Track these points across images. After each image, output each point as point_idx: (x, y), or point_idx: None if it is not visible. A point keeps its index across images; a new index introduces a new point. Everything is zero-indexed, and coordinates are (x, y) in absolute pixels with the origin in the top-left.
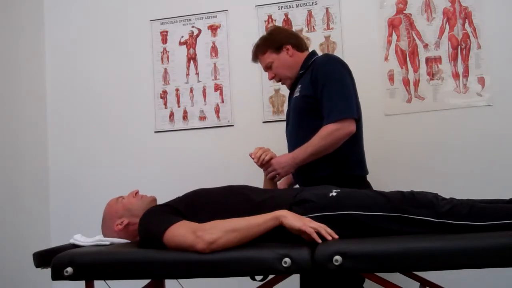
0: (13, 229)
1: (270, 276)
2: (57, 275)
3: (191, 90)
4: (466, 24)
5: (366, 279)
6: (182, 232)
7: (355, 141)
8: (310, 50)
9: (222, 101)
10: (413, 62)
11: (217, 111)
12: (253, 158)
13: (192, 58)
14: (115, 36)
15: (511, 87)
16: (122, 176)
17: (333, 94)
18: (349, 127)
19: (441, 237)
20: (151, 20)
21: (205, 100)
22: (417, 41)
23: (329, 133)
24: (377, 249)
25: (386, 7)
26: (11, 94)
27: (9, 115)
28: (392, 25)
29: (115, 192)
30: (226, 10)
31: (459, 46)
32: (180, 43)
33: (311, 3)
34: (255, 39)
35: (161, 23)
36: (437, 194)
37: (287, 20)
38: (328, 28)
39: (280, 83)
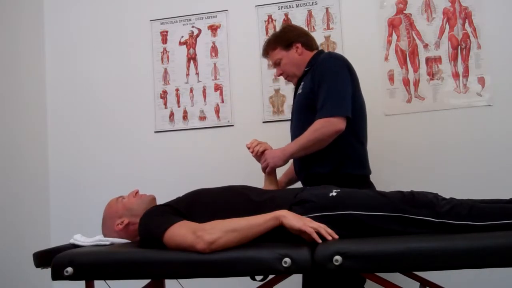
0: (13, 229)
1: (270, 276)
2: (57, 275)
3: (191, 90)
4: (466, 24)
5: (366, 279)
6: (182, 232)
7: (357, 140)
8: None
9: (222, 101)
10: (413, 62)
11: (217, 111)
12: (248, 148)
13: (192, 58)
14: (115, 36)
15: (511, 87)
16: (122, 176)
17: (328, 91)
18: (337, 124)
19: (441, 237)
20: (151, 20)
21: (205, 100)
22: (417, 41)
23: (316, 128)
24: (377, 249)
25: (386, 7)
26: (11, 94)
27: (9, 115)
28: (392, 25)
29: (115, 192)
30: (226, 10)
31: (459, 46)
32: (180, 43)
33: (311, 3)
34: (255, 39)
35: (161, 23)
36: (437, 194)
37: (287, 20)
38: (328, 28)
39: (286, 80)
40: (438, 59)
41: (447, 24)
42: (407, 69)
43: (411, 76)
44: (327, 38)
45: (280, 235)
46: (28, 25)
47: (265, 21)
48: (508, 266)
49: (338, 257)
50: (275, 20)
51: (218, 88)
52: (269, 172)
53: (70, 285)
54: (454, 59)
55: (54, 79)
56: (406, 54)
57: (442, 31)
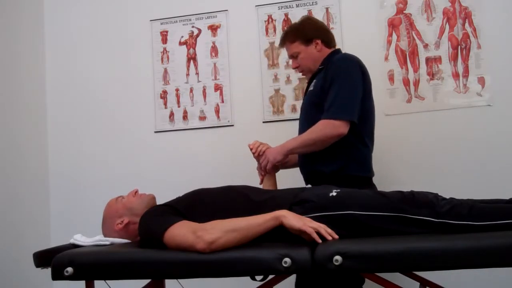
0: (13, 229)
1: (270, 276)
2: (57, 275)
3: (191, 90)
4: (466, 24)
5: (366, 279)
6: (182, 232)
7: (362, 142)
8: None
9: (222, 101)
10: (413, 62)
11: (217, 111)
12: (251, 149)
13: (192, 58)
14: (115, 36)
15: (511, 87)
16: (122, 176)
17: (337, 93)
18: (339, 128)
19: (441, 237)
20: (151, 20)
21: (205, 100)
22: (417, 41)
23: (318, 129)
24: (377, 249)
25: (386, 7)
26: (11, 94)
27: (9, 115)
28: (392, 25)
29: (115, 192)
30: (226, 10)
31: (459, 46)
32: (180, 43)
33: (311, 3)
34: (255, 39)
35: (161, 23)
36: (437, 194)
37: (287, 20)
38: (328, 28)
39: (301, 74)
40: (438, 59)
41: (447, 24)
42: (407, 69)
43: (411, 76)
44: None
45: (280, 235)
46: (28, 25)
47: (265, 21)
48: (508, 266)
49: (338, 257)
50: (275, 20)
51: (218, 88)
52: (270, 171)
53: (70, 285)
54: (454, 59)
55: (54, 79)
56: (406, 54)
57: (442, 31)
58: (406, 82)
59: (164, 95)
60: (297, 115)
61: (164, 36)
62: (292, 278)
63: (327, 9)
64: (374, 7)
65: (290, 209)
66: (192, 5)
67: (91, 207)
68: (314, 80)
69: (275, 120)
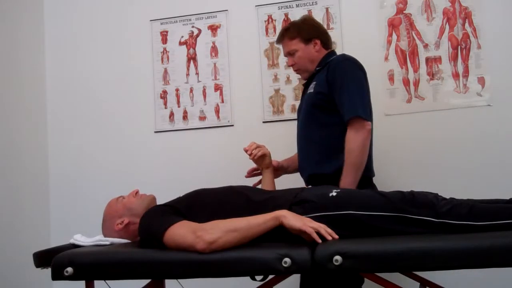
0: (13, 229)
1: (270, 276)
2: (57, 275)
3: (191, 90)
4: (466, 24)
5: (366, 279)
6: (182, 232)
7: None
8: None
9: (222, 101)
10: (413, 62)
11: (217, 111)
12: (246, 151)
13: (192, 58)
14: (115, 36)
15: (511, 87)
16: (122, 176)
17: (351, 94)
18: (366, 126)
19: (441, 237)
20: (151, 20)
21: (205, 100)
22: (417, 41)
23: (352, 141)
24: (377, 249)
25: (386, 7)
26: (11, 94)
27: (9, 115)
28: (392, 25)
29: (115, 192)
30: (226, 10)
31: (459, 46)
32: (180, 43)
33: (311, 3)
34: (255, 39)
35: (161, 23)
36: (437, 194)
37: (287, 20)
38: (328, 28)
39: (295, 72)
40: (438, 59)
41: (447, 24)
42: (407, 69)
43: (411, 76)
44: (330, 37)
45: (280, 235)
46: (28, 25)
47: (265, 21)
48: (508, 266)
49: (338, 257)
50: (275, 20)
51: (218, 88)
52: (267, 168)
53: (70, 285)
54: (454, 59)
55: (54, 79)
56: (406, 54)
57: (442, 31)
58: (406, 82)
59: (164, 95)
60: None
61: (164, 36)
62: (292, 278)
63: (327, 9)
64: (374, 7)
65: (290, 209)
66: (192, 5)
67: (91, 207)
68: (314, 82)
69: (275, 120)
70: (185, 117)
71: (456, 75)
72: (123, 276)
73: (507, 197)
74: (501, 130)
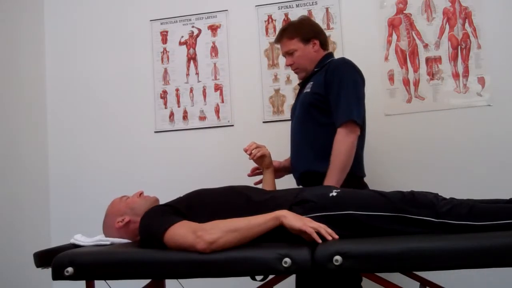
0: (13, 229)
1: (270, 276)
2: (57, 275)
3: (191, 90)
4: (466, 24)
5: (366, 279)
6: (182, 232)
7: (358, 142)
8: None
9: (222, 101)
10: (413, 62)
11: (217, 111)
12: (246, 151)
13: (192, 58)
14: (115, 36)
15: (511, 87)
16: (122, 176)
17: (346, 98)
18: (356, 130)
19: (441, 237)
20: (151, 20)
21: (205, 100)
22: (417, 41)
23: (341, 142)
24: (377, 249)
25: (386, 7)
26: (11, 95)
27: (9, 115)
28: (392, 25)
29: (115, 192)
30: (226, 10)
31: (459, 46)
32: (180, 43)
33: (311, 3)
34: (255, 39)
35: (161, 23)
36: (437, 194)
37: (287, 20)
38: (328, 28)
39: (293, 71)
40: (438, 59)
41: (447, 24)
42: (407, 69)
43: (411, 76)
44: (327, 38)
45: (280, 235)
46: (28, 25)
47: (265, 21)
48: (508, 266)
49: (338, 257)
50: (275, 20)
51: (218, 88)
52: (268, 169)
53: (71, 285)
54: (454, 59)
55: (54, 79)
56: (406, 54)
57: (442, 31)
58: (406, 82)
59: (164, 95)
60: None
61: (164, 36)
62: (292, 278)
63: (327, 9)
64: (374, 7)
65: (290, 209)
66: (192, 5)
67: (91, 207)
68: (311, 82)
69: (275, 120)
70: (185, 117)
71: (456, 75)
72: (124, 276)
73: (507, 197)
74: (501, 130)
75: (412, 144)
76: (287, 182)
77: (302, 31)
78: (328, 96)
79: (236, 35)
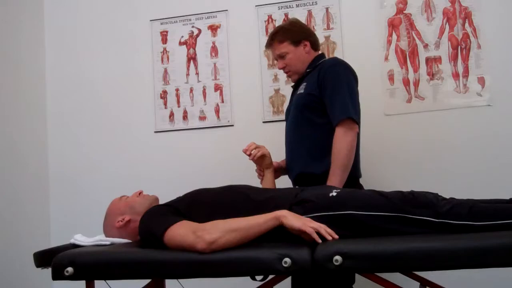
0: (13, 229)
1: (270, 276)
2: (57, 275)
3: (191, 90)
4: (466, 24)
5: (365, 279)
6: (182, 232)
7: None
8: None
9: (222, 101)
10: (413, 62)
11: (217, 111)
12: (245, 152)
13: (192, 58)
14: (115, 36)
15: (511, 87)
16: (122, 176)
17: (341, 97)
18: (355, 128)
19: (441, 237)
20: (151, 20)
21: (205, 100)
22: (417, 41)
23: (340, 141)
24: (377, 249)
25: (386, 7)
26: (11, 94)
27: (9, 115)
28: (392, 25)
29: (115, 192)
30: (226, 10)
31: (459, 46)
32: (180, 43)
33: (311, 3)
34: (255, 39)
35: (161, 23)
36: (437, 194)
37: (287, 20)
38: (328, 28)
39: (286, 74)
40: (438, 59)
41: (447, 24)
42: (407, 69)
43: (411, 76)
44: (327, 38)
45: (280, 235)
46: (28, 25)
47: (265, 21)
48: (508, 266)
49: (338, 257)
50: (275, 20)
51: (218, 88)
52: (268, 169)
53: (71, 285)
54: (454, 59)
55: (54, 79)
56: (406, 54)
57: (442, 31)
58: (406, 82)
59: (164, 95)
60: None
61: (164, 36)
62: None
63: (327, 9)
64: (374, 7)
65: (290, 209)
66: (192, 5)
67: (91, 207)
68: (304, 83)
69: (275, 120)
70: (185, 117)
71: (456, 75)
72: (124, 276)
73: (507, 197)
74: (501, 130)
75: (412, 144)
76: (287, 182)
77: (292, 33)
78: (323, 96)
79: (236, 35)
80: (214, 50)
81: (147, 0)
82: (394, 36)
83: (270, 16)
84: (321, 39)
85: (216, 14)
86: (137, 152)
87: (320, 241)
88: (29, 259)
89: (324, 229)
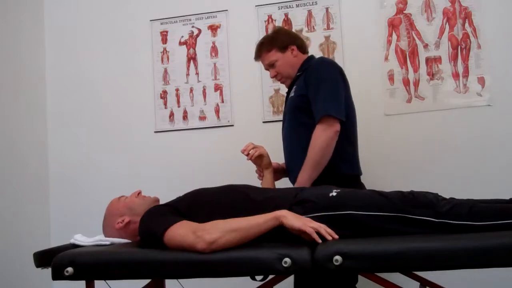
0: (13, 229)
1: (270, 276)
2: (57, 275)
3: (191, 90)
4: (466, 24)
5: (366, 279)
6: (182, 232)
7: (348, 141)
8: (309, 50)
9: (222, 101)
10: (413, 62)
11: (217, 111)
12: (243, 152)
13: (192, 58)
14: (115, 36)
15: (511, 87)
16: (122, 176)
17: (324, 94)
18: (334, 126)
19: (441, 237)
20: (151, 20)
21: (205, 100)
22: (417, 41)
23: (317, 138)
24: (377, 249)
25: (386, 7)
26: (11, 94)
27: (9, 115)
28: (392, 25)
29: (115, 192)
30: (226, 10)
31: (459, 46)
32: (180, 43)
33: (311, 3)
34: (255, 39)
35: (161, 23)
36: (437, 194)
37: (287, 20)
38: (328, 28)
39: (280, 82)
40: (438, 59)
41: (447, 24)
42: (407, 69)
43: (411, 76)
44: (327, 38)
45: (280, 235)
46: (28, 25)
47: (265, 21)
48: (508, 266)
49: (338, 257)
50: (275, 20)
51: (218, 88)
52: (267, 169)
53: (71, 285)
54: (454, 59)
55: (54, 79)
56: (406, 54)
57: (442, 31)
58: (406, 82)
59: (164, 95)
60: None
61: (164, 36)
62: (292, 278)
63: (327, 9)
64: (374, 7)
65: (290, 209)
66: (192, 5)
67: (91, 207)
68: (295, 86)
69: (275, 120)
70: (185, 117)
71: (456, 75)
72: (123, 276)
73: (507, 197)
74: (501, 130)
75: (412, 144)
76: (287, 183)
77: (278, 40)
78: (308, 95)
79: (236, 35)
80: (214, 50)
81: (147, 0)
82: (394, 36)
83: (270, 16)
84: (321, 39)
85: (216, 14)
86: (137, 152)
87: (320, 241)
88: (29, 259)
89: (324, 229)
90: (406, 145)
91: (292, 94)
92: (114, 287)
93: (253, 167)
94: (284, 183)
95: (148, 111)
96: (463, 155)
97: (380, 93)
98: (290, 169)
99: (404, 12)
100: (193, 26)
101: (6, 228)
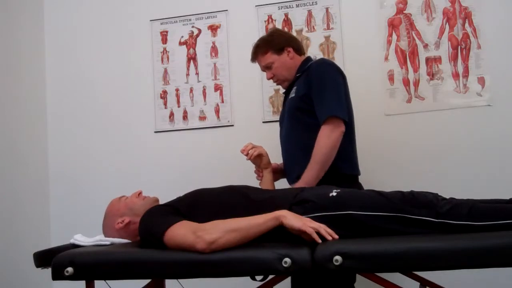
0: (13, 229)
1: (270, 276)
2: (57, 275)
3: (191, 90)
4: (466, 24)
5: (366, 279)
6: (182, 232)
7: (348, 141)
8: (309, 50)
9: (222, 101)
10: (413, 62)
11: (217, 111)
12: (243, 152)
13: (192, 58)
14: (115, 36)
15: (511, 87)
16: (122, 176)
17: (327, 95)
18: (340, 126)
19: (441, 237)
20: (151, 20)
21: (205, 100)
22: (417, 41)
23: (325, 138)
24: (377, 249)
25: (386, 7)
26: (11, 94)
27: (9, 115)
28: (392, 25)
29: (115, 192)
30: (226, 10)
31: (459, 46)
32: (180, 43)
33: (311, 3)
34: (255, 39)
35: (161, 23)
36: (437, 194)
37: (287, 20)
38: (328, 28)
39: (276, 84)
40: (438, 59)
41: (447, 24)
42: (407, 69)
43: (411, 76)
44: (327, 38)
45: (280, 235)
46: (28, 25)
47: (265, 21)
48: (508, 266)
49: (338, 257)
50: (275, 20)
51: (218, 88)
52: (266, 169)
53: (71, 285)
54: (454, 59)
55: (54, 79)
56: (406, 54)
57: (442, 31)
58: (406, 82)
59: (164, 95)
60: None
61: (164, 36)
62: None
63: (327, 9)
64: (374, 7)
65: (290, 209)
66: (192, 5)
67: (91, 207)
68: (295, 87)
69: (275, 120)
70: (185, 117)
71: (456, 75)
72: (123, 276)
73: (507, 197)
74: (501, 130)
75: (412, 144)
76: (287, 183)
77: (273, 42)
78: (311, 96)
79: (236, 35)
80: (214, 50)
81: (147, 0)
82: (394, 36)
83: (270, 16)
84: (321, 39)
85: (216, 14)
86: (137, 152)
87: (320, 241)
88: (29, 259)
89: (324, 229)
90: (406, 145)
91: (292, 95)
92: (114, 287)
93: (253, 167)
94: (283, 183)
95: (148, 111)
96: (463, 155)
97: (380, 93)
98: (288, 168)
99: (404, 12)
100: (193, 26)
101: (6, 228)
